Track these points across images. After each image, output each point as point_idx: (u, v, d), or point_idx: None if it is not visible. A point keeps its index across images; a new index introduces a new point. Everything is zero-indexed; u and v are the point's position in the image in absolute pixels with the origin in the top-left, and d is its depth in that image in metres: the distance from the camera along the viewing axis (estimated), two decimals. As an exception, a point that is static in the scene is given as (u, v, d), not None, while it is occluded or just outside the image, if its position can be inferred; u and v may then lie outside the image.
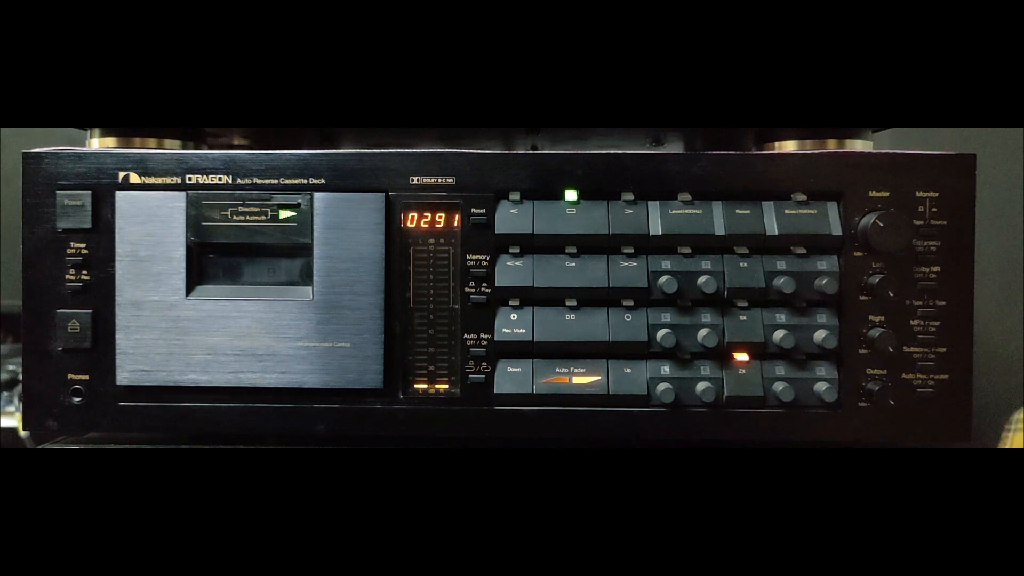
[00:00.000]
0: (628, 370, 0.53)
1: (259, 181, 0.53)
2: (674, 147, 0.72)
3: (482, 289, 0.53)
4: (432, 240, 0.54)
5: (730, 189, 0.53)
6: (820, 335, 0.52)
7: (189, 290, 0.53)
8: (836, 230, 0.53)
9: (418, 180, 0.53)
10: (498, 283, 0.53)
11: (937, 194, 0.53)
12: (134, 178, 0.53)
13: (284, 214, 0.53)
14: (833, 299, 0.53)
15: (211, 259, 0.54)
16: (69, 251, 0.53)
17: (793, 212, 0.53)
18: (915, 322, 0.53)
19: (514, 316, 0.53)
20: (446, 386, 0.54)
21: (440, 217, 0.54)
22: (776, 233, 0.53)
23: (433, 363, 0.54)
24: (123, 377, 0.53)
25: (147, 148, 0.59)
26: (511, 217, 0.53)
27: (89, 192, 0.53)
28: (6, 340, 1.00)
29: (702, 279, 0.52)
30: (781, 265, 0.53)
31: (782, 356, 0.53)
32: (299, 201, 0.53)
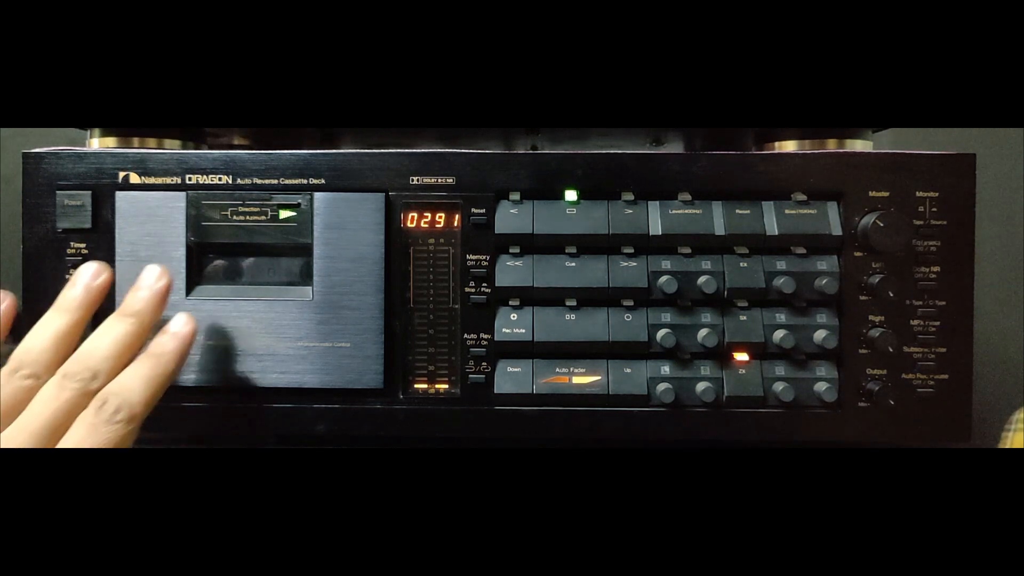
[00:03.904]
0: (628, 370, 0.53)
1: (259, 181, 0.53)
2: (674, 147, 0.72)
3: (482, 289, 0.53)
4: (432, 240, 0.54)
5: (730, 189, 0.53)
6: (820, 335, 0.52)
7: (189, 290, 0.53)
8: (836, 230, 0.53)
9: (418, 180, 0.53)
10: (498, 283, 0.53)
11: (937, 194, 0.53)
12: (134, 178, 0.54)
13: (284, 214, 0.53)
14: (833, 299, 0.53)
15: (211, 259, 0.54)
16: (69, 251, 0.53)
17: (793, 212, 0.53)
18: (915, 322, 0.53)
19: (514, 316, 0.53)
20: (446, 386, 0.54)
21: (440, 217, 0.54)
22: (776, 233, 0.53)
23: (433, 363, 0.54)
24: (123, 377, 0.53)
25: (147, 148, 0.59)
26: (511, 217, 0.53)
27: (89, 192, 0.53)
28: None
29: (702, 279, 0.52)
30: (781, 265, 0.53)
31: (782, 356, 0.53)
32: (299, 201, 0.53)
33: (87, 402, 0.45)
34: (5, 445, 0.43)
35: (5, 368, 0.46)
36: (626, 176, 0.54)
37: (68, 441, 0.44)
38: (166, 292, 0.49)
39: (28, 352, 0.47)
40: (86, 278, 0.49)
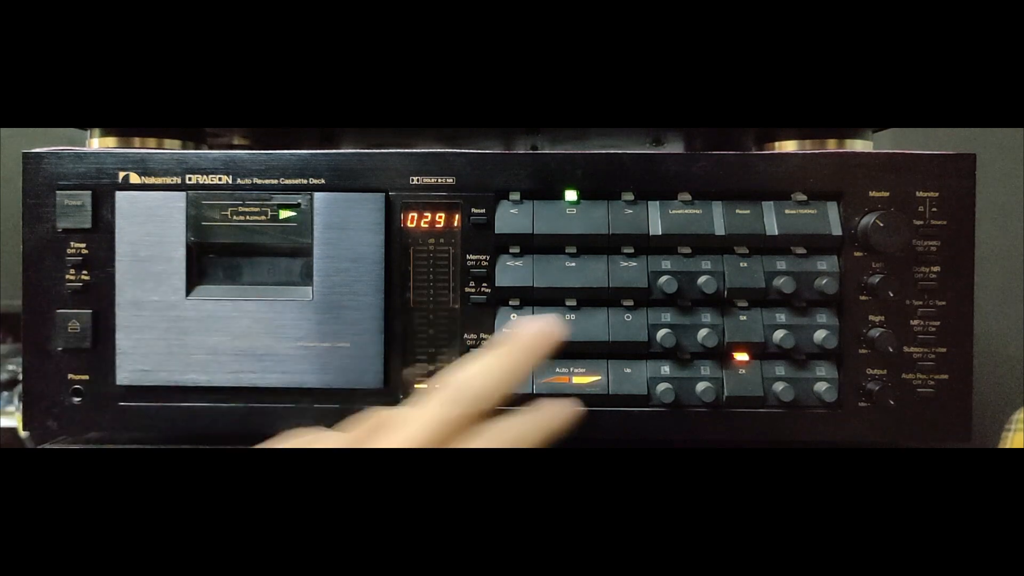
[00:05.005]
0: (628, 370, 0.53)
1: (259, 181, 0.53)
2: (674, 147, 0.72)
3: (482, 289, 0.53)
4: (432, 240, 0.54)
5: (730, 189, 0.53)
6: (820, 335, 0.52)
7: (189, 290, 0.53)
8: (836, 230, 0.53)
9: (418, 180, 0.53)
10: (498, 283, 0.53)
11: (937, 194, 0.53)
12: (134, 178, 0.54)
13: (284, 214, 0.53)
14: (833, 299, 0.53)
15: (211, 259, 0.54)
16: (69, 251, 0.53)
17: (793, 212, 0.53)
18: (915, 322, 0.53)
19: (514, 316, 0.53)
20: (446, 386, 0.54)
21: (440, 217, 0.54)
22: (776, 233, 0.53)
23: (433, 363, 0.54)
24: (123, 377, 0.53)
25: (147, 148, 0.59)
26: (511, 217, 0.53)
27: (89, 192, 0.53)
28: (6, 340, 0.99)
29: (702, 279, 0.52)
30: (781, 265, 0.53)
31: (782, 356, 0.53)
32: (299, 201, 0.53)
33: None
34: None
35: None
36: (626, 176, 0.54)
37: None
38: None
39: None
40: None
